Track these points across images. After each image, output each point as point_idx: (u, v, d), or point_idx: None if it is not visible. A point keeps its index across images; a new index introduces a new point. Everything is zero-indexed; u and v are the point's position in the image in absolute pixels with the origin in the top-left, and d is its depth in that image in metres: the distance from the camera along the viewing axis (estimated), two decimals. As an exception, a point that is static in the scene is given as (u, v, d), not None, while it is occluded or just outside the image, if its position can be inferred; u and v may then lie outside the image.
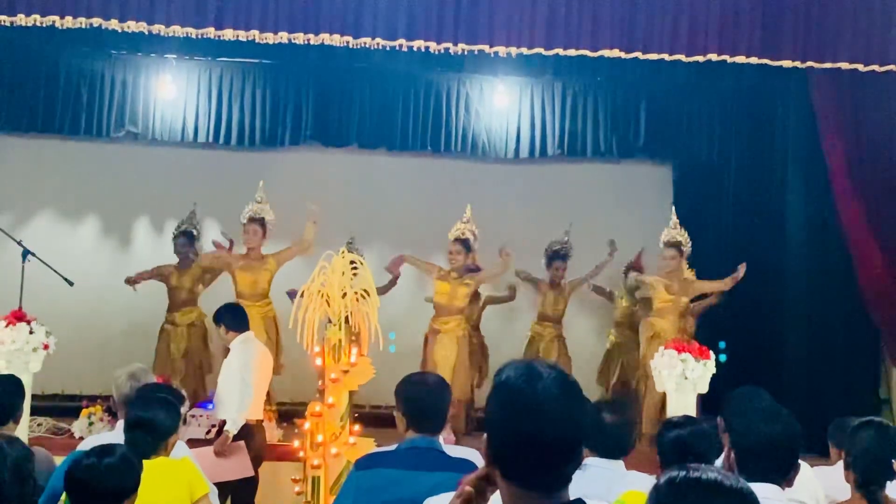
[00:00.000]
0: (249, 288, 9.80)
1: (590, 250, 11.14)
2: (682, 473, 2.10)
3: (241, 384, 7.89)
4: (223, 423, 7.75)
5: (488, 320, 11.32)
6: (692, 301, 10.38)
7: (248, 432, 7.93)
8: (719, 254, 11.30)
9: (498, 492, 2.43)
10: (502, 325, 11.66)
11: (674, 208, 10.79)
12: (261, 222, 9.95)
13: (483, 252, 10.99)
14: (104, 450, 4.23)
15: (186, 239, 10.55)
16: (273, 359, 8.69)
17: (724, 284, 10.12)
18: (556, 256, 11.03)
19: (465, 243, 10.14)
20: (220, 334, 8.38)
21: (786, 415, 3.83)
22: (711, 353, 8.59)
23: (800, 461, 3.84)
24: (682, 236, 10.41)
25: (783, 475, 3.55)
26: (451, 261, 10.13)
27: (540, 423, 2.31)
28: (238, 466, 7.60)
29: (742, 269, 9.86)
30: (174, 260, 10.54)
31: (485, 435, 2.41)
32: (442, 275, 10.11)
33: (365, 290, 7.80)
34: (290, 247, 10.05)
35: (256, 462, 7.98)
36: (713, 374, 8.49)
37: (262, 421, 8.45)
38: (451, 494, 3.58)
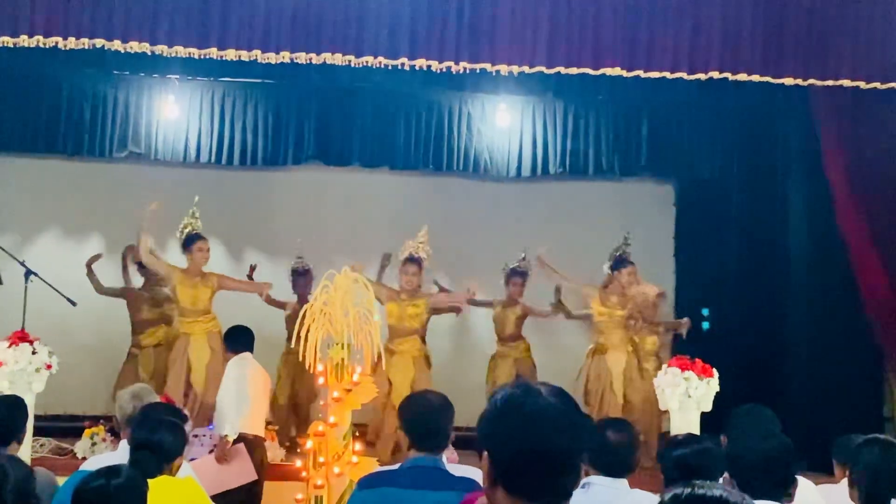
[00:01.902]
0: (191, 303, 9.68)
1: (589, 270, 11.12)
2: (687, 490, 2.10)
3: (237, 395, 7.97)
4: (224, 436, 7.79)
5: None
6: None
7: (249, 447, 7.95)
8: (721, 271, 11.29)
9: None
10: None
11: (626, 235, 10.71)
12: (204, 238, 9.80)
13: (483, 271, 11.04)
14: (111, 470, 4.23)
15: None
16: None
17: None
18: (515, 273, 10.93)
19: (419, 262, 10.04)
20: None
21: (779, 432, 3.85)
22: (714, 371, 8.58)
23: (798, 477, 3.85)
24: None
25: (782, 491, 3.56)
26: (406, 282, 10.00)
27: (540, 433, 2.36)
28: (241, 471, 7.63)
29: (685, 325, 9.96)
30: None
31: (484, 453, 2.42)
32: (391, 296, 9.98)
33: (368, 310, 7.83)
34: (248, 283, 10.13)
35: (258, 478, 8.00)
36: (717, 393, 8.48)
37: (264, 439, 8.45)
38: (454, 513, 3.59)
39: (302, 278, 10.75)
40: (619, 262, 10.32)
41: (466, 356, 11.45)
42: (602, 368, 9.97)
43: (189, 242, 9.74)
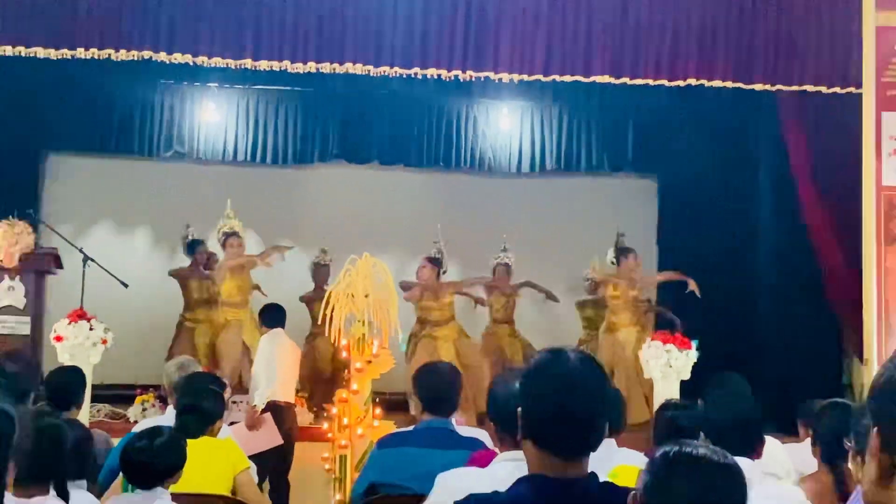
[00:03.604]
0: (234, 294, 9.66)
1: (582, 256, 11.14)
2: (676, 448, 2.10)
3: (266, 368, 8.00)
4: (253, 407, 7.85)
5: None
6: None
7: (280, 412, 7.99)
8: (699, 257, 11.27)
9: (525, 460, 2.47)
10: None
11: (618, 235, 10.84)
12: (237, 235, 9.85)
13: (488, 258, 11.06)
14: (154, 432, 4.27)
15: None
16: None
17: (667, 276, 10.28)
18: (502, 265, 10.93)
19: (434, 262, 10.11)
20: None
21: (748, 397, 3.87)
22: (693, 343, 8.59)
23: (766, 436, 3.87)
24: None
25: (752, 449, 3.57)
26: (425, 280, 10.00)
27: (569, 394, 2.37)
28: (268, 436, 7.66)
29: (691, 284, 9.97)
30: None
31: (518, 409, 2.43)
32: (420, 296, 9.96)
33: (385, 292, 7.87)
34: (265, 252, 10.01)
35: (289, 439, 8.02)
36: (695, 363, 8.49)
37: (294, 405, 8.49)
38: (462, 469, 3.61)
39: (323, 269, 10.76)
40: (623, 252, 10.37)
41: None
42: (615, 344, 9.97)
43: (225, 239, 9.80)
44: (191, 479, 4.38)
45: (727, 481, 2.04)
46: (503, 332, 10.77)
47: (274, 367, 8.04)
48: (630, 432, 5.31)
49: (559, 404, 2.38)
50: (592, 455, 2.49)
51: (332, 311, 7.86)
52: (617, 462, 4.31)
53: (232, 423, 6.87)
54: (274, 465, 7.71)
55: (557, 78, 8.55)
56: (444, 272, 10.34)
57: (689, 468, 2.04)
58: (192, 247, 10.68)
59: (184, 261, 10.87)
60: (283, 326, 8.39)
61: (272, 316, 8.41)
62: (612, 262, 10.50)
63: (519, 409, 2.44)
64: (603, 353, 9.80)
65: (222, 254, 9.98)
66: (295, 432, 8.23)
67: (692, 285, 9.94)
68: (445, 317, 10.03)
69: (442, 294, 10.03)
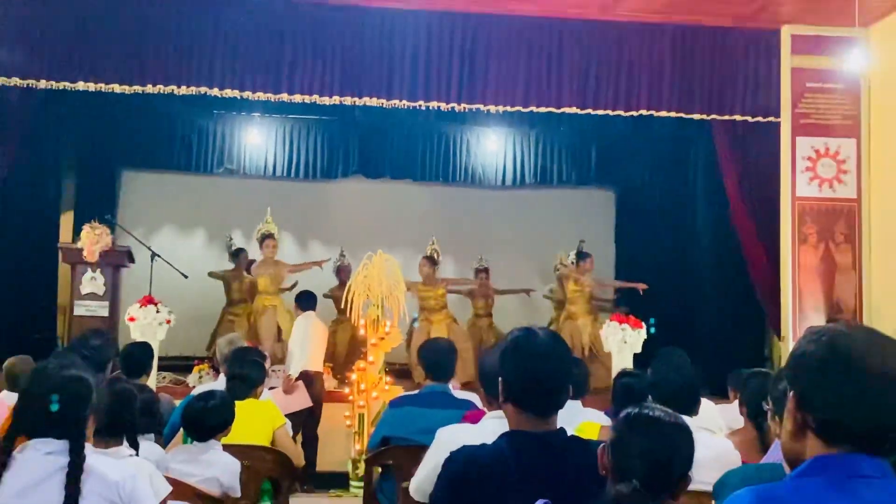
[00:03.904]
0: (269, 286, 9.60)
1: (554, 254, 11.15)
2: (636, 410, 2.10)
3: (300, 344, 8.00)
4: (288, 376, 7.85)
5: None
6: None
7: (310, 379, 7.99)
8: (648, 255, 11.28)
9: (506, 418, 2.47)
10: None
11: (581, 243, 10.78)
12: (273, 237, 9.78)
13: (478, 256, 11.05)
14: (208, 395, 4.27)
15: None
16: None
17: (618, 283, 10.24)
18: (481, 270, 10.89)
19: (433, 260, 10.15)
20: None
21: (687, 366, 3.86)
22: (643, 323, 8.58)
23: (702, 398, 3.86)
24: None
25: (690, 409, 3.57)
26: (425, 275, 10.00)
27: (541, 363, 2.37)
28: (300, 400, 7.68)
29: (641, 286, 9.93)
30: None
31: (500, 379, 2.44)
32: (419, 288, 9.95)
33: (395, 282, 7.89)
34: (307, 263, 10.01)
35: (318, 401, 8.02)
36: (645, 340, 8.49)
37: (322, 373, 8.48)
38: (457, 425, 3.60)
39: (345, 268, 10.66)
40: (582, 256, 10.38)
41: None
42: (573, 329, 9.96)
43: (262, 240, 9.75)
44: (238, 433, 4.39)
45: (678, 436, 2.04)
46: (484, 325, 10.72)
47: (307, 343, 8.03)
48: (592, 395, 5.32)
49: (533, 372, 2.37)
50: (562, 414, 2.49)
51: (353, 298, 7.89)
52: (582, 419, 4.32)
53: (271, 388, 6.86)
54: (305, 422, 7.71)
55: (534, 109, 8.53)
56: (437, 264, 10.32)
57: (647, 426, 2.05)
58: (237, 254, 10.66)
59: (227, 264, 10.81)
60: (314, 310, 8.38)
61: (306, 301, 8.40)
62: (572, 263, 10.45)
63: (500, 378, 2.44)
64: (563, 336, 9.77)
65: (258, 252, 9.93)
66: (323, 396, 8.23)
67: (640, 288, 9.95)
68: (440, 305, 10.02)
69: (437, 286, 10.02)
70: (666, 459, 2.00)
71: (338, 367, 9.67)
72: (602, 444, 2.11)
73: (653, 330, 8.31)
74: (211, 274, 10.55)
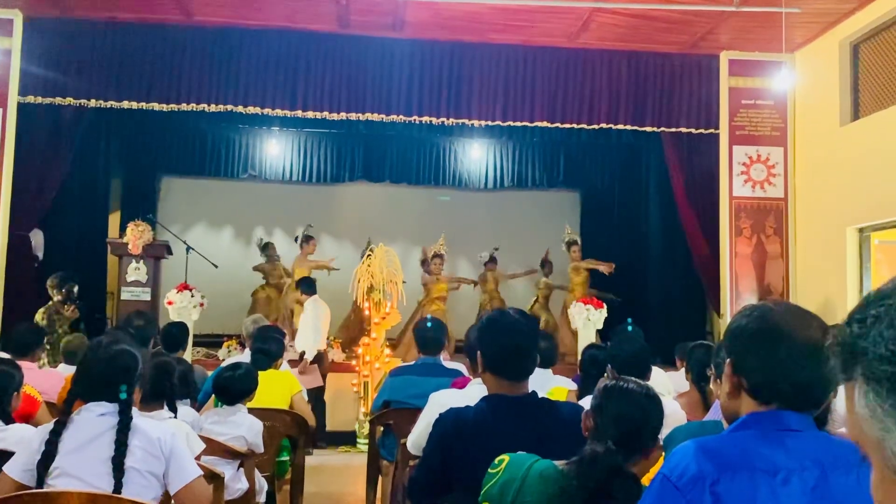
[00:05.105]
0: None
1: (529, 247, 11.18)
2: (612, 382, 2.10)
3: (313, 328, 7.92)
4: (303, 353, 7.76)
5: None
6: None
7: (320, 357, 7.96)
8: (608, 247, 11.28)
9: (484, 384, 2.47)
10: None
11: (568, 226, 10.80)
12: (313, 238, 9.81)
13: (467, 252, 11.04)
14: (235, 366, 4.27)
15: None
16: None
17: (596, 265, 10.10)
18: (490, 260, 10.82)
19: (442, 257, 10.10)
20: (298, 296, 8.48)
21: (640, 338, 3.86)
22: (604, 304, 8.61)
23: (653, 367, 3.87)
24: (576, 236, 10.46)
25: (643, 375, 3.58)
26: (436, 269, 9.96)
27: (514, 336, 2.39)
28: (313, 380, 7.61)
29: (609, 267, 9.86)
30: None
31: (478, 352, 2.44)
32: (429, 280, 9.95)
33: (394, 270, 7.88)
34: (321, 261, 9.80)
35: (323, 376, 7.97)
36: (605, 318, 8.51)
37: (327, 349, 8.41)
38: (447, 391, 3.60)
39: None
40: (570, 244, 10.36)
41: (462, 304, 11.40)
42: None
43: (306, 240, 9.72)
44: (261, 398, 4.39)
45: (649, 404, 2.05)
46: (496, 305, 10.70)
47: (319, 325, 7.96)
48: (561, 364, 5.35)
49: (507, 344, 2.38)
50: (535, 381, 2.50)
51: (359, 283, 7.87)
52: (553, 385, 4.33)
53: (290, 360, 6.84)
54: (316, 390, 7.68)
55: (511, 122, 8.53)
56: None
57: (623, 395, 2.05)
58: (266, 247, 10.62)
59: (251, 255, 10.80)
60: (316, 293, 8.27)
61: (310, 286, 8.32)
62: (565, 250, 10.39)
63: (478, 351, 2.45)
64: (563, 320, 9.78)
65: (296, 248, 9.91)
66: (327, 368, 8.18)
67: (608, 269, 9.93)
68: (442, 294, 10.01)
69: (442, 280, 10.03)
70: (637, 425, 2.01)
71: (346, 342, 9.67)
72: (585, 411, 2.12)
73: (630, 328, 8.28)
74: (255, 268, 10.55)
